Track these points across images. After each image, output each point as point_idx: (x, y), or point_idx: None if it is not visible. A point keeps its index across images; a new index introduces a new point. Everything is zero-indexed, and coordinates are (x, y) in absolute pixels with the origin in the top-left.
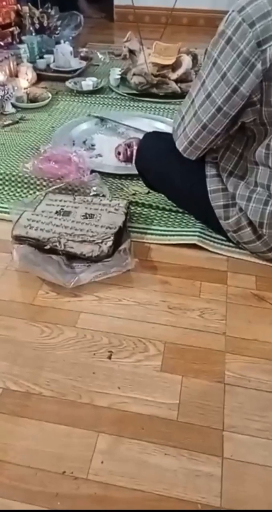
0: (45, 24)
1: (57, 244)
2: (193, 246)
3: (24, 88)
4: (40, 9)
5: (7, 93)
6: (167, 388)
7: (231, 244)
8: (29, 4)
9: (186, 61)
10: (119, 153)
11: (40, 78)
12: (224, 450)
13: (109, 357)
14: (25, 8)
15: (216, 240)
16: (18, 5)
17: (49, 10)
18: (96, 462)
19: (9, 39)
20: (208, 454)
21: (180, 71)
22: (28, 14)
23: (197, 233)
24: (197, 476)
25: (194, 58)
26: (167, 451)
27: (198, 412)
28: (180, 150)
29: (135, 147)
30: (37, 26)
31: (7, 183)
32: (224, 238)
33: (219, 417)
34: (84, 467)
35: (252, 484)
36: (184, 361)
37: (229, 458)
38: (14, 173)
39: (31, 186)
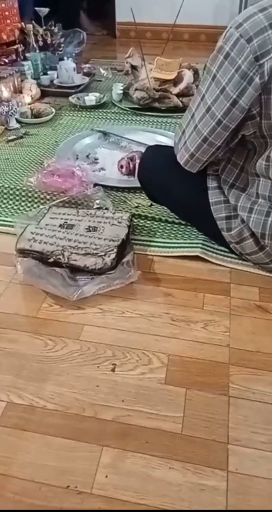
0: (48, 41)
1: (61, 257)
2: (196, 258)
3: (28, 104)
4: (44, 27)
5: (12, 108)
6: (171, 401)
7: (234, 255)
8: (33, 22)
9: (187, 75)
10: (122, 167)
11: (44, 94)
12: (229, 464)
13: (113, 370)
14: (29, 26)
15: (219, 252)
16: (22, 23)
17: (53, 28)
18: (101, 476)
19: (14, 56)
20: (213, 467)
21: (181, 86)
22: (32, 32)
23: (200, 245)
24: (202, 490)
25: (195, 72)
26: (171, 465)
27: (203, 425)
28: (181, 163)
29: (137, 161)
30: (41, 43)
31: (11, 197)
32: (226, 250)
33: (223, 430)
34: (88, 481)
35: (258, 498)
36: (188, 374)
37: (234, 472)
38: (18, 187)
39: (35, 200)
